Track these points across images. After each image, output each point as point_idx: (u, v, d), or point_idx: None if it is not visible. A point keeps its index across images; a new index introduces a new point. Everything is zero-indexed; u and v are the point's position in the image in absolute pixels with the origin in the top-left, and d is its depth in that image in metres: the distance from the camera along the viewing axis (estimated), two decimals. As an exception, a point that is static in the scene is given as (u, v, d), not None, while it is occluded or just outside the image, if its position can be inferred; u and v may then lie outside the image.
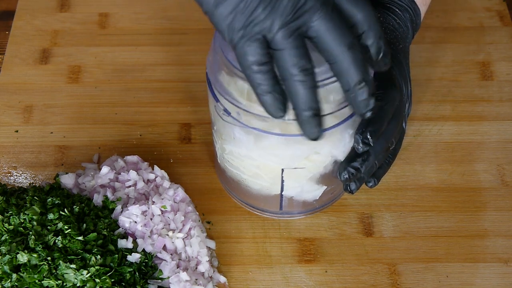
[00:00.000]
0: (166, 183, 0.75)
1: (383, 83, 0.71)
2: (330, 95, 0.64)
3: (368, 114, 0.62)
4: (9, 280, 0.66)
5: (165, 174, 0.77)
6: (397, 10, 0.79)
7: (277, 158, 0.69)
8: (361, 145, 0.68)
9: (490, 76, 0.89)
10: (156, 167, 0.77)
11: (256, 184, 0.73)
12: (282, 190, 0.73)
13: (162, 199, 0.73)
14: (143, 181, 0.75)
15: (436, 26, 0.94)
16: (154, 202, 0.72)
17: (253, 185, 0.74)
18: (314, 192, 0.74)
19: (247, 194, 0.76)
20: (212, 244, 0.75)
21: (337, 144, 0.69)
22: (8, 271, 0.66)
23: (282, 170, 0.70)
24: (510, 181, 0.80)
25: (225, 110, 0.67)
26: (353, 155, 0.71)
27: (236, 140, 0.69)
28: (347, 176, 0.70)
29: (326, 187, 0.74)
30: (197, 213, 0.76)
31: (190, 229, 0.72)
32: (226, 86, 0.66)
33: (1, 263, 0.66)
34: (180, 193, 0.75)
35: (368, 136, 0.68)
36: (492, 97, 0.87)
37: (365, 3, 0.61)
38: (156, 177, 0.76)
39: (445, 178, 0.81)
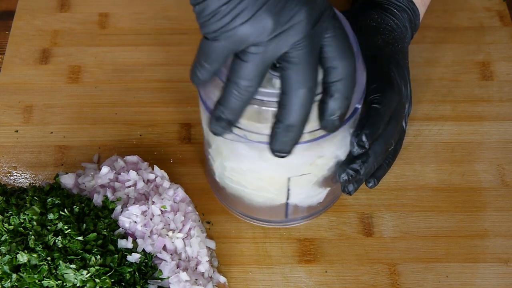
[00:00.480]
0: (166, 183, 0.75)
1: (380, 85, 0.70)
2: None
3: (281, 154, 0.63)
4: (9, 280, 0.66)
5: (165, 174, 0.77)
6: (395, 10, 0.79)
7: (283, 168, 0.68)
8: (356, 147, 0.69)
9: (490, 76, 0.89)
10: (156, 167, 0.77)
11: (260, 197, 0.73)
12: (288, 198, 0.73)
13: (162, 199, 0.73)
14: (143, 181, 0.75)
15: (436, 26, 0.94)
16: (154, 202, 0.72)
17: (257, 198, 0.73)
18: (318, 195, 0.74)
19: (251, 208, 0.75)
20: (212, 244, 0.75)
21: (339, 144, 0.69)
22: (8, 271, 0.66)
23: (289, 179, 0.70)
24: (510, 181, 0.80)
25: None
26: (352, 157, 0.71)
27: (239, 155, 0.68)
28: (346, 178, 0.70)
29: (329, 188, 0.74)
30: (197, 213, 0.76)
31: (190, 229, 0.72)
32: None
33: (1, 263, 0.66)
34: (180, 193, 0.75)
35: (364, 139, 0.68)
36: (492, 97, 0.87)
37: (349, 56, 0.60)
38: (156, 177, 0.76)
39: (445, 178, 0.81)
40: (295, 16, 0.57)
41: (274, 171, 0.69)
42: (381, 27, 0.77)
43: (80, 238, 0.68)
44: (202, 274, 0.71)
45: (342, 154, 0.70)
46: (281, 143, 0.62)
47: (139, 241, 0.70)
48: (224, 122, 0.62)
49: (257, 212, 0.75)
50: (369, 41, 0.74)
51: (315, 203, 0.75)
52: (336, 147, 0.69)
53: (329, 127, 0.63)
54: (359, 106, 0.67)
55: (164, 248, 0.70)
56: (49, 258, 0.66)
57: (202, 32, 0.59)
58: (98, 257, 0.67)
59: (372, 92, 0.70)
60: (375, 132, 0.69)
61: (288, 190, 0.71)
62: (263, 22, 0.56)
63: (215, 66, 0.60)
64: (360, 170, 0.70)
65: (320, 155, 0.68)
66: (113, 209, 0.72)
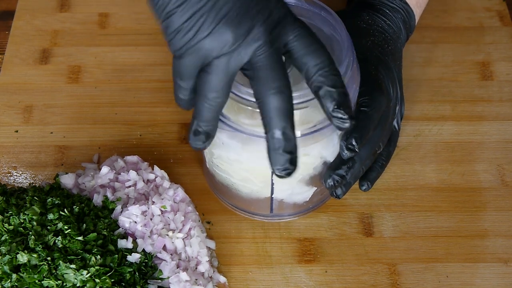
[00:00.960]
0: (166, 183, 0.75)
1: (369, 89, 0.70)
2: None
3: (283, 174, 0.62)
4: (9, 280, 0.66)
5: (165, 174, 0.77)
6: (387, 11, 0.79)
7: (265, 160, 0.68)
8: (346, 151, 0.69)
9: (490, 76, 0.89)
10: (156, 167, 0.77)
11: (246, 188, 0.73)
12: (272, 193, 0.73)
13: (162, 199, 0.73)
14: (143, 181, 0.75)
15: (436, 26, 0.94)
16: (154, 202, 0.72)
17: (243, 188, 0.73)
18: (304, 193, 0.74)
19: (237, 198, 0.75)
20: (212, 244, 0.75)
21: (326, 145, 0.69)
22: (8, 271, 0.66)
23: (272, 173, 0.70)
24: (510, 181, 0.80)
25: None
26: (338, 162, 0.71)
27: (224, 144, 0.69)
28: (332, 183, 0.71)
29: (316, 188, 0.74)
30: (197, 213, 0.76)
31: (190, 229, 0.72)
32: None
33: (1, 263, 0.66)
34: (180, 193, 0.75)
35: (353, 143, 0.68)
36: (492, 97, 0.87)
37: (320, 49, 0.60)
38: (156, 177, 0.76)
39: (445, 178, 0.81)
40: (252, 26, 0.58)
41: (257, 163, 0.69)
42: (372, 28, 0.77)
43: (80, 238, 0.68)
44: (202, 274, 0.71)
45: (329, 155, 0.70)
46: (279, 161, 0.61)
47: (139, 241, 0.70)
48: (202, 135, 0.63)
49: (243, 203, 0.76)
50: (359, 43, 0.74)
51: (301, 201, 0.75)
52: (321, 147, 0.69)
53: (339, 124, 0.62)
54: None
55: (164, 248, 0.70)
56: (49, 258, 0.66)
57: (170, 51, 0.61)
58: (98, 257, 0.67)
59: (360, 95, 0.70)
60: (364, 136, 0.69)
61: (272, 184, 0.72)
62: (223, 35, 0.58)
63: (189, 83, 0.61)
64: (346, 176, 0.71)
65: (305, 153, 0.68)
66: (113, 209, 0.72)
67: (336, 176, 0.71)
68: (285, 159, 0.61)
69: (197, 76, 0.60)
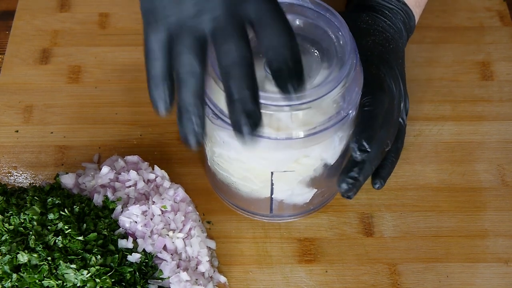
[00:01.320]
0: (167, 183, 0.75)
1: (370, 88, 0.70)
2: (323, 102, 0.64)
3: (247, 133, 0.58)
4: (9, 280, 0.66)
5: (165, 174, 0.77)
6: (386, 12, 0.79)
7: (266, 161, 0.68)
8: (358, 153, 0.69)
9: (490, 76, 0.89)
10: (156, 167, 0.77)
11: (246, 187, 0.73)
12: (272, 193, 0.73)
13: (163, 199, 0.73)
14: (143, 181, 0.75)
15: (436, 26, 0.94)
16: (154, 202, 0.72)
17: (243, 188, 0.73)
18: (304, 195, 0.74)
19: (237, 197, 0.75)
20: (212, 244, 0.75)
21: (326, 147, 0.69)
22: (9, 271, 0.66)
23: (272, 173, 0.70)
24: (510, 181, 0.80)
25: (214, 113, 0.66)
26: (349, 165, 0.71)
27: (225, 143, 0.69)
28: (346, 187, 0.71)
29: (316, 190, 0.74)
30: (197, 213, 0.76)
31: (190, 229, 0.72)
32: (210, 93, 0.66)
33: (2, 263, 0.66)
34: (181, 193, 0.75)
35: (364, 143, 0.68)
36: (492, 97, 0.87)
37: (282, 29, 0.58)
38: (156, 177, 0.76)
39: (445, 178, 0.81)
40: None
41: (257, 163, 0.69)
42: (372, 28, 0.77)
43: (81, 238, 0.68)
44: (203, 274, 0.71)
45: (329, 157, 0.70)
46: (236, 123, 0.58)
47: (139, 241, 0.70)
48: (191, 113, 0.61)
49: (243, 203, 0.76)
50: (359, 44, 0.74)
51: (302, 202, 0.75)
52: (322, 149, 0.69)
53: (284, 91, 0.58)
54: (351, 112, 0.67)
55: (165, 248, 0.70)
56: (49, 258, 0.66)
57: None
58: (99, 257, 0.67)
59: (363, 95, 0.70)
60: (373, 135, 0.69)
61: (272, 184, 0.72)
62: (183, 3, 0.59)
63: (161, 63, 0.64)
64: (358, 177, 0.71)
65: (305, 154, 0.68)
66: (113, 209, 0.72)
67: (350, 179, 0.71)
68: (245, 121, 0.58)
69: (165, 57, 0.62)
